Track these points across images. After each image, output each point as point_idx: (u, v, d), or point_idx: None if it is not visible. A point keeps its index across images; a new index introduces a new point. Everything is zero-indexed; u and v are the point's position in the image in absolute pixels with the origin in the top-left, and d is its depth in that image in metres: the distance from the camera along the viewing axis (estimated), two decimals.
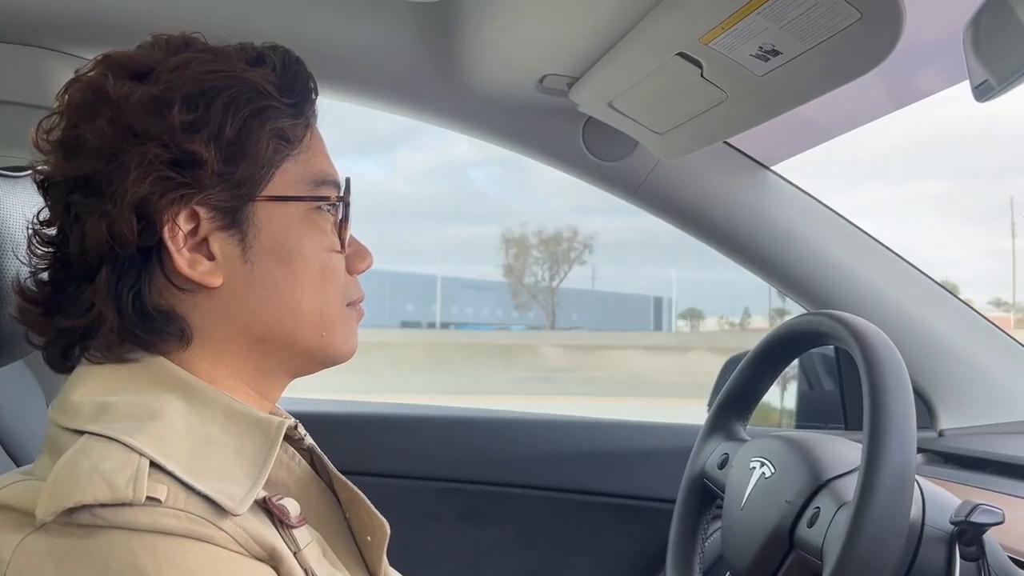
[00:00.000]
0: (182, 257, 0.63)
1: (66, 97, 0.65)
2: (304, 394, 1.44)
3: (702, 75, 0.92)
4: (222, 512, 0.57)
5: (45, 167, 0.65)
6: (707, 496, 1.07)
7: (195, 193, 0.62)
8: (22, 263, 0.67)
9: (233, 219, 0.64)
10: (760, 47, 0.82)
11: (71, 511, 0.54)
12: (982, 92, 0.66)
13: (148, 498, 0.54)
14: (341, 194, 0.69)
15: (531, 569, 1.43)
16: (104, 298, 0.62)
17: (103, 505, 0.54)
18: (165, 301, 0.64)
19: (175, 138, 0.61)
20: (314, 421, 0.74)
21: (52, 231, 0.65)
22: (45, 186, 0.65)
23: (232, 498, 0.57)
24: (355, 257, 0.72)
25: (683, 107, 1.01)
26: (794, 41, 0.79)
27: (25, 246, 0.66)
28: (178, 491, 0.56)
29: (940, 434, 1.35)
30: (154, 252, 0.63)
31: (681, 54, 0.90)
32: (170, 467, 0.56)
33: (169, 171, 0.61)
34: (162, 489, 0.55)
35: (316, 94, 0.70)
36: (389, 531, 0.71)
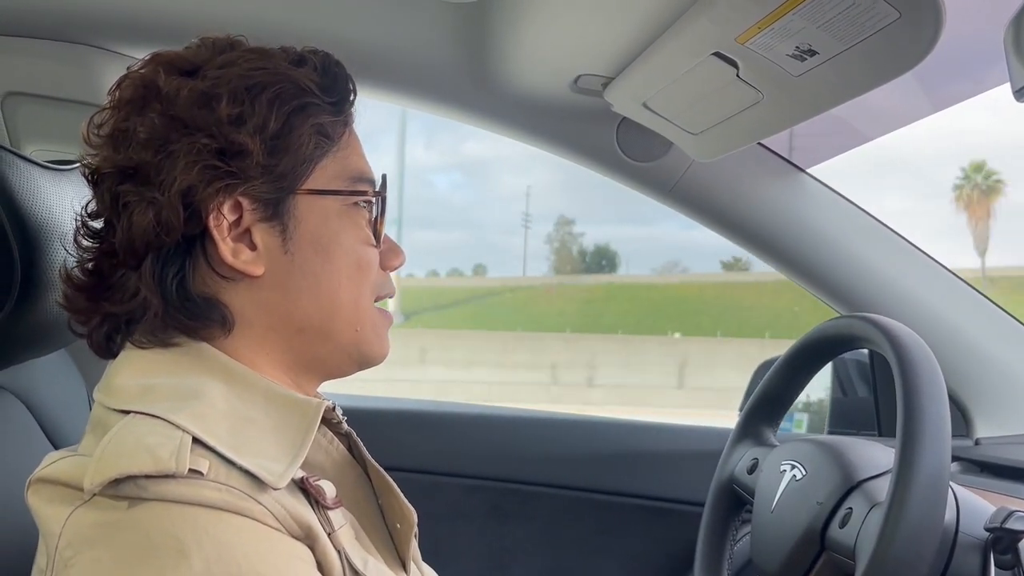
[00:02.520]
0: (226, 246, 0.65)
1: (117, 93, 0.67)
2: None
3: (738, 75, 0.92)
4: (262, 487, 0.58)
5: (93, 161, 0.67)
6: (736, 501, 1.06)
7: (239, 184, 0.65)
8: (70, 254, 0.69)
9: (275, 211, 0.67)
10: (797, 47, 0.82)
11: (117, 483, 0.56)
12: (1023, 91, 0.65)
13: (191, 471, 0.56)
14: (377, 190, 0.72)
15: (556, 569, 1.43)
16: (149, 285, 0.64)
17: (147, 477, 0.55)
18: (208, 289, 0.66)
19: (222, 129, 0.64)
20: (345, 415, 0.75)
21: (99, 223, 0.68)
22: (94, 178, 0.67)
23: (272, 473, 0.59)
24: (389, 254, 0.74)
25: (718, 107, 1.01)
26: (831, 41, 0.79)
27: (72, 237, 0.69)
28: (219, 465, 0.58)
29: (976, 443, 1.33)
30: (199, 241, 0.65)
31: (717, 54, 0.90)
32: (212, 443, 0.58)
33: (216, 161, 0.64)
34: (204, 463, 0.57)
35: (355, 95, 0.72)
36: (416, 520, 0.72)
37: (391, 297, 0.75)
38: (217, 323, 0.66)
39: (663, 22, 0.93)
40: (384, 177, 0.73)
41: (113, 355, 0.67)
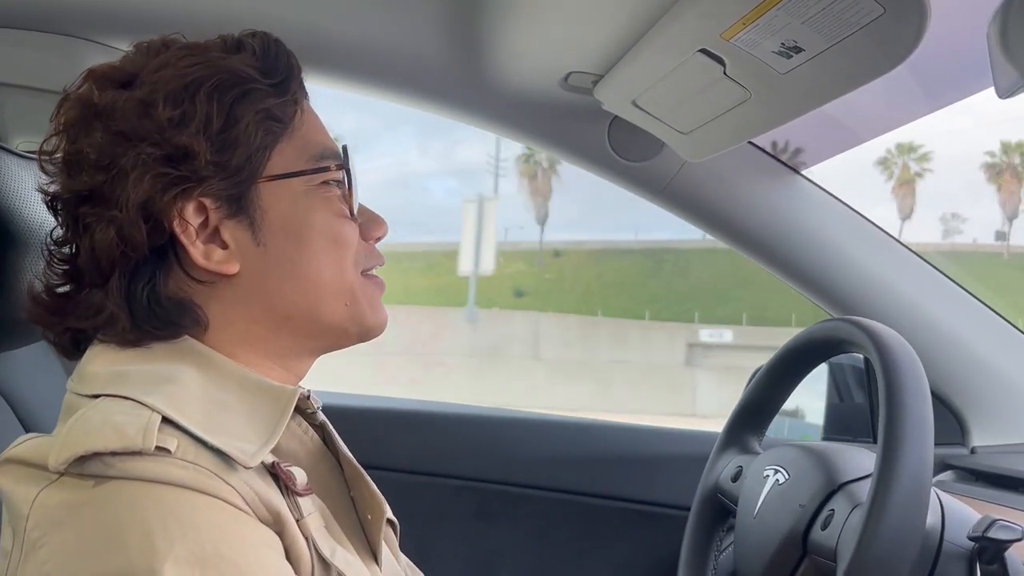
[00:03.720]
0: (196, 249, 0.64)
1: (62, 117, 0.66)
2: None
3: (725, 72, 0.91)
4: (231, 468, 0.58)
5: (50, 188, 0.67)
6: (720, 511, 1.05)
7: (195, 186, 0.63)
8: (38, 279, 0.68)
9: (239, 206, 0.65)
10: (782, 43, 0.81)
11: (83, 461, 0.55)
12: (1006, 88, 0.64)
13: (157, 448, 0.55)
14: (339, 163, 0.70)
15: (543, 571, 1.42)
16: (117, 301, 0.63)
17: (113, 454, 0.55)
18: (184, 294, 0.65)
19: (165, 135, 0.62)
20: (331, 414, 0.75)
21: (67, 250, 0.67)
22: (55, 205, 0.67)
23: (244, 452, 0.58)
24: (370, 225, 0.72)
25: (707, 106, 1.00)
26: (816, 37, 0.77)
27: (50, 229, 0.68)
28: (188, 445, 0.57)
29: (972, 451, 1.32)
30: (170, 249, 0.64)
31: (703, 51, 0.89)
32: (182, 422, 0.57)
33: (165, 168, 0.62)
34: (172, 441, 0.56)
35: (300, 71, 0.70)
36: (386, 512, 0.71)
37: (381, 266, 0.74)
38: (188, 327, 0.65)
39: (650, 18, 0.92)
40: (345, 148, 0.71)
41: (81, 355, 0.67)
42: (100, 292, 0.64)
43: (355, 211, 0.70)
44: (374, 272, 0.73)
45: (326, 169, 0.68)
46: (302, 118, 0.69)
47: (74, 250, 0.66)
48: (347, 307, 0.69)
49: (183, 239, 0.63)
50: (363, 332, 0.71)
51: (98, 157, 0.63)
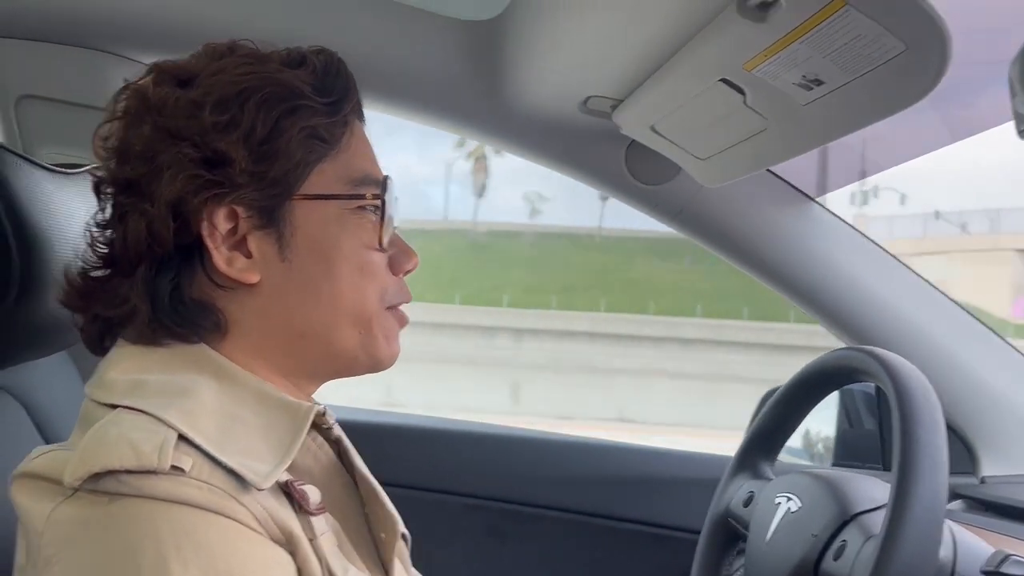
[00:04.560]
0: (220, 255, 0.65)
1: (120, 105, 0.67)
2: None
3: (744, 102, 0.91)
4: (244, 488, 0.58)
5: (98, 173, 0.68)
6: (731, 536, 1.05)
7: (228, 192, 0.64)
8: (80, 261, 0.69)
9: (270, 218, 0.66)
10: (803, 76, 0.81)
11: (97, 477, 0.55)
12: None
13: (173, 467, 0.55)
14: (377, 193, 0.69)
15: None
16: (140, 293, 0.64)
17: (128, 472, 0.55)
18: (205, 295, 0.66)
19: (206, 138, 0.63)
20: (344, 429, 0.75)
21: (108, 232, 0.68)
22: (102, 189, 0.68)
23: (257, 473, 0.59)
24: (400, 257, 0.72)
25: (725, 133, 1.01)
26: (837, 71, 0.78)
27: (75, 242, 0.69)
28: (203, 464, 0.57)
29: (982, 481, 1.31)
30: (196, 249, 0.65)
31: (724, 80, 0.90)
32: (198, 440, 0.58)
33: (199, 170, 0.63)
34: (187, 460, 0.56)
35: (356, 94, 0.70)
36: (401, 530, 0.72)
37: (407, 302, 0.73)
38: (209, 329, 0.66)
39: (672, 47, 0.93)
40: (386, 179, 0.71)
41: (104, 353, 0.67)
42: (127, 282, 0.65)
43: (385, 243, 0.70)
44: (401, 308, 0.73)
45: (362, 196, 0.68)
46: (350, 141, 0.69)
47: (112, 235, 0.67)
48: (361, 336, 0.69)
49: (208, 242, 0.64)
50: (373, 363, 0.71)
51: (143, 150, 0.64)
